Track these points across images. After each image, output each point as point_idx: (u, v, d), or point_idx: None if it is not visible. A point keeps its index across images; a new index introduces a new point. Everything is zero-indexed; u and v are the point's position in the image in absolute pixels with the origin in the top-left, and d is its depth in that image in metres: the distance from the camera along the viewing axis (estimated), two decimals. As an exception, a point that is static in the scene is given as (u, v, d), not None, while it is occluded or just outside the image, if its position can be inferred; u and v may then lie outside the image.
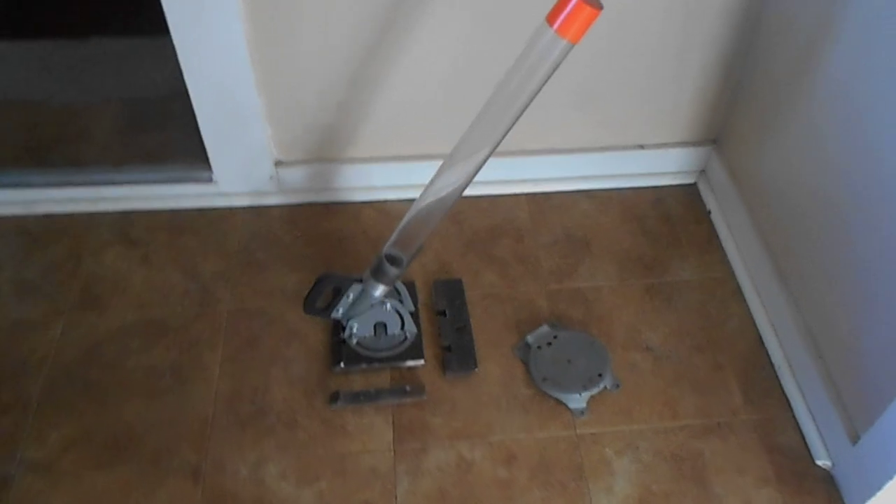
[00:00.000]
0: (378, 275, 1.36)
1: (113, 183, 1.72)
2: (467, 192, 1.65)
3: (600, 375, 1.42)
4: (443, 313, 1.53)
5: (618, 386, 1.43)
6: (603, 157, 1.76)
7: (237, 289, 1.59)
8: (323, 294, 1.42)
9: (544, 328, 1.50)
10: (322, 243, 1.68)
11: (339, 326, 1.47)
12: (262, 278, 1.61)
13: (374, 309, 1.41)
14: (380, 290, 1.39)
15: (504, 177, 1.76)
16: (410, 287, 1.54)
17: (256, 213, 1.75)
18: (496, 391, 1.43)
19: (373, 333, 1.47)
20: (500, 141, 1.19)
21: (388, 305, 1.41)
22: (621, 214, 1.75)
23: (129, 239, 1.69)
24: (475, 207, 1.76)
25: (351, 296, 1.41)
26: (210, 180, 1.71)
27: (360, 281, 1.40)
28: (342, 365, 1.44)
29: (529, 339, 1.49)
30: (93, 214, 1.73)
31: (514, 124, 1.17)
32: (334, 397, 1.40)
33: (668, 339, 1.51)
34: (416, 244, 1.35)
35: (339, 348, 1.47)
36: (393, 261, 1.35)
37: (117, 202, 1.73)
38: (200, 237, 1.69)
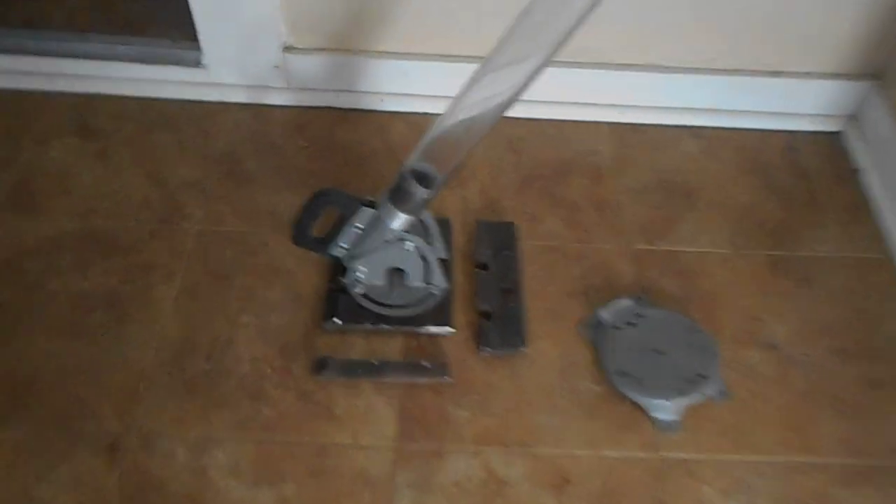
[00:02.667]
0: (399, 197, 0.94)
1: (76, 55, 1.32)
2: (530, 114, 1.24)
3: (702, 377, 0.99)
4: (484, 266, 1.11)
5: (726, 395, 0.99)
6: (721, 83, 1.30)
7: (213, 205, 1.19)
8: (320, 217, 1.00)
9: (625, 301, 1.07)
10: (335, 159, 1.26)
11: (339, 268, 1.06)
12: (247, 194, 1.20)
13: (389, 247, 0.99)
14: (400, 221, 0.97)
15: (581, 97, 1.32)
16: (443, 225, 1.12)
17: (254, 112, 1.33)
18: (550, 382, 1.01)
19: (385, 282, 1.05)
20: (558, 46, 0.78)
21: (410, 245, 0.99)
22: (738, 162, 1.30)
23: (86, 128, 1.29)
24: (540, 133, 1.32)
25: (359, 225, 0.99)
26: (198, 64, 1.30)
27: (373, 205, 0.98)
28: (337, 320, 1.03)
29: (603, 314, 1.06)
30: (47, 94, 1.34)
31: (577, 25, 0.75)
32: (321, 364, 1.00)
33: (800, 336, 1.06)
34: (451, 161, 0.93)
35: (335, 298, 1.06)
36: (421, 178, 0.93)
37: (79, 81, 1.34)
38: (178, 135, 1.29)
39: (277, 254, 1.12)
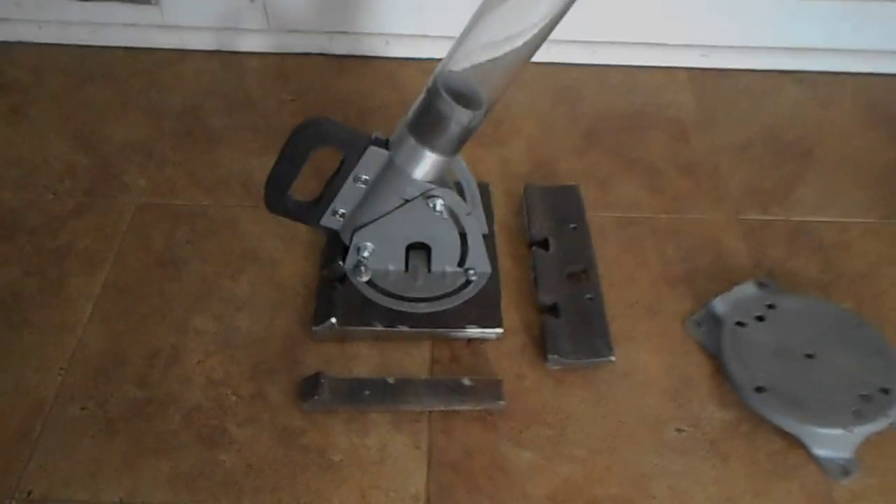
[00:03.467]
0: (426, 126, 0.63)
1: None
2: (585, 58, 1.03)
3: (884, 393, 0.65)
4: (544, 244, 0.78)
5: (922, 419, 0.66)
6: (832, 12, 0.99)
7: (162, 172, 0.87)
8: (302, 166, 0.68)
9: (747, 288, 0.74)
10: (329, 113, 0.94)
11: (336, 247, 0.74)
12: (210, 158, 0.88)
13: (409, 212, 0.67)
14: (426, 167, 0.65)
15: (650, 35, 1.01)
16: (482, 191, 0.80)
17: (222, 61, 1.02)
18: (655, 406, 0.67)
19: (403, 266, 0.73)
20: None
21: (440, 204, 0.67)
22: (861, 112, 0.98)
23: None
24: (599, 80, 1.01)
25: (364, 177, 0.67)
26: (148, 0, 0.99)
27: (385, 145, 0.66)
28: (334, 321, 0.70)
29: (720, 306, 0.73)
30: (-49, 43, 1.02)
31: None
32: (311, 386, 0.66)
33: None
34: (501, 79, 0.62)
35: (331, 290, 0.73)
36: (459, 97, 0.61)
37: (-6, 26, 1.03)
38: (119, 89, 0.97)
39: (250, 233, 0.80)
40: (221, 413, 0.66)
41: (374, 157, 0.66)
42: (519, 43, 0.58)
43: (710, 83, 1.01)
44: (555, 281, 0.75)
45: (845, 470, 0.63)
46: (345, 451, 0.64)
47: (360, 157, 0.66)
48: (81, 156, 0.88)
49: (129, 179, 0.85)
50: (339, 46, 1.03)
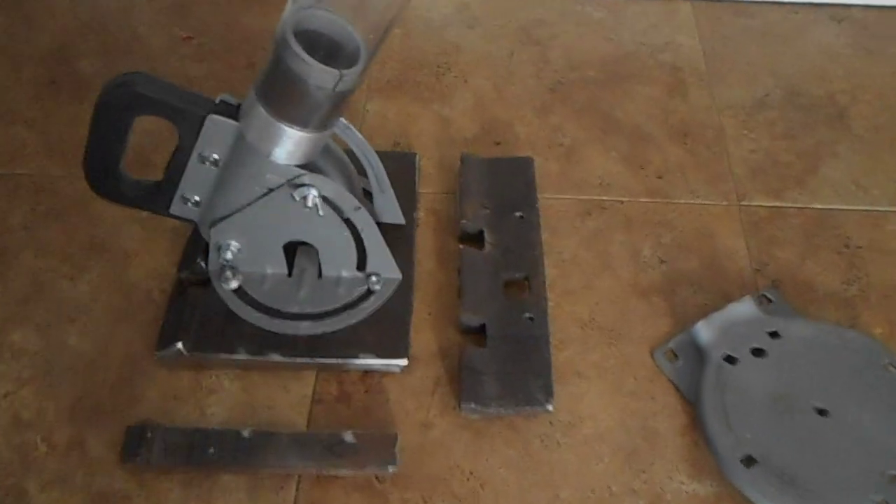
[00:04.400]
0: (278, 90, 0.44)
1: None
2: None
3: (923, 471, 0.47)
4: (477, 240, 0.60)
5: (974, 508, 0.47)
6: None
7: (8, 130, 0.69)
8: (126, 137, 0.49)
9: (744, 306, 0.55)
10: (235, 57, 0.76)
11: (201, 243, 0.56)
12: (71, 115, 0.70)
13: (271, 204, 0.49)
14: (286, 147, 0.46)
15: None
16: (402, 165, 0.61)
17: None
18: (605, 475, 0.50)
19: (284, 270, 0.55)
20: None
21: (312, 195, 0.48)
22: (916, 59, 0.76)
23: None
24: (577, 16, 0.80)
25: (212, 156, 0.48)
26: None
27: (234, 112, 0.47)
28: (181, 346, 0.53)
29: (704, 332, 0.54)
30: None
31: None
32: (135, 440, 0.49)
33: None
34: (378, 15, 0.42)
35: (183, 299, 0.56)
36: (319, 47, 0.42)
37: None
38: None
39: (104, 217, 0.62)
40: (23, 468, 0.50)
41: (219, 131, 0.47)
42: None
43: (719, 20, 0.80)
44: (486, 293, 0.56)
45: (861, 579, 0.46)
46: (176, 531, 0.48)
47: (197, 131, 0.47)
48: (-88, 108, 0.70)
49: (-41, 140, 0.68)
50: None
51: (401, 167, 0.63)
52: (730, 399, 0.50)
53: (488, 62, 0.75)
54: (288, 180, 0.48)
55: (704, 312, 0.55)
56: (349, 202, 0.50)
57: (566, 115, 0.70)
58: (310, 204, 0.48)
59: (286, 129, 0.45)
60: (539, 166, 0.65)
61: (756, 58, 0.76)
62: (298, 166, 0.48)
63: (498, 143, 0.68)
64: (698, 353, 0.54)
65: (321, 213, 0.49)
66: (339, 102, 0.45)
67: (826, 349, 0.53)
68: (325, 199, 0.49)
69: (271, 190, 0.48)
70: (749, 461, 0.48)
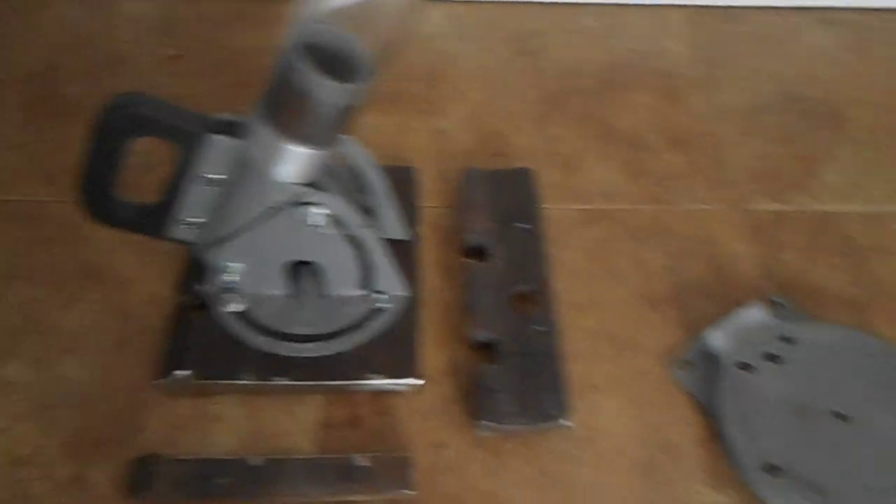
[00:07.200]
0: (283, 107, 0.43)
1: None
2: None
3: (946, 473, 0.47)
4: (480, 253, 0.59)
5: None
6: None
7: (-8, 157, 0.67)
8: (120, 161, 0.47)
9: (755, 313, 0.55)
10: (225, 75, 0.74)
11: (198, 267, 0.54)
12: (58, 137, 0.68)
13: (274, 224, 0.47)
14: (290, 165, 0.45)
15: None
16: (401, 179, 0.60)
17: (91, 6, 0.81)
18: (621, 486, 0.49)
19: (285, 291, 0.53)
20: None
21: (319, 215, 0.47)
22: (906, 60, 0.77)
23: None
24: (570, 25, 0.79)
25: (213, 175, 0.47)
26: (-4, -72, 0.77)
27: (234, 129, 0.46)
28: (183, 374, 0.51)
29: (717, 340, 0.53)
30: None
31: None
32: (142, 474, 0.48)
33: None
34: (384, 28, 0.42)
35: (185, 325, 0.54)
36: (326, 61, 0.41)
37: None
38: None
39: (97, 242, 0.60)
40: (22, 508, 0.48)
41: (220, 150, 0.46)
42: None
43: (711, 26, 0.80)
44: (493, 307, 0.55)
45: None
46: (187, 565, 0.46)
47: (198, 151, 0.46)
48: None
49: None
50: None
51: (398, 181, 0.62)
52: (748, 406, 0.50)
53: (482, 73, 0.74)
54: (292, 199, 0.46)
55: (715, 320, 0.55)
56: (355, 220, 0.48)
57: (563, 125, 0.70)
58: (317, 223, 0.47)
59: (292, 147, 0.44)
60: (539, 177, 0.64)
61: (749, 63, 0.76)
62: (302, 184, 0.46)
63: (496, 155, 0.67)
64: (712, 362, 0.53)
65: (326, 232, 0.48)
66: (346, 118, 0.44)
67: (841, 353, 0.52)
68: (331, 217, 0.48)
69: (274, 210, 0.47)
70: (772, 469, 0.47)
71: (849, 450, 0.48)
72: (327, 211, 0.47)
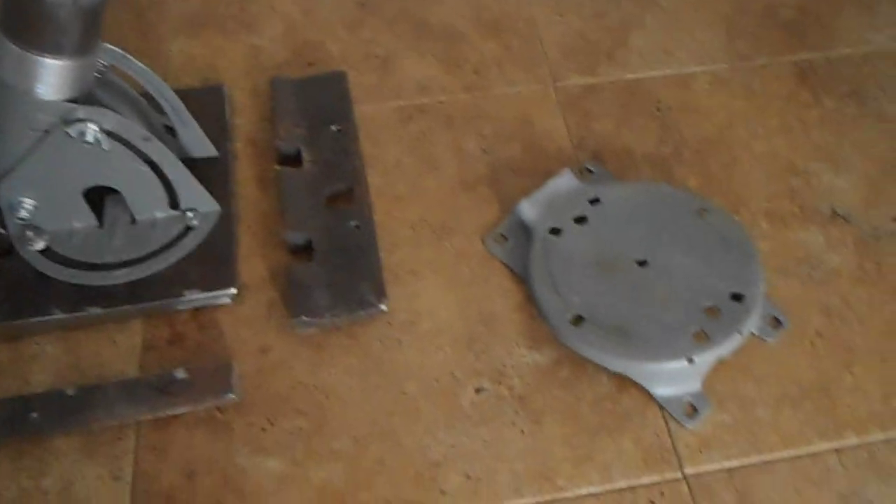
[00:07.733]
0: (16, 16, 0.41)
1: None
2: None
3: (737, 300, 0.50)
4: (294, 159, 0.58)
5: (783, 325, 0.51)
6: None
7: None
8: None
9: (563, 179, 0.57)
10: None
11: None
12: None
13: (49, 148, 0.46)
14: (50, 80, 0.43)
15: None
16: (209, 98, 0.59)
17: None
18: (444, 362, 0.50)
19: (92, 222, 0.52)
20: None
21: (90, 133, 0.45)
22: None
23: None
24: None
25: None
26: None
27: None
28: (-11, 318, 0.50)
29: (527, 209, 0.55)
30: None
31: None
32: (-45, 418, 0.47)
33: (876, 189, 0.58)
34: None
35: (-13, 270, 0.52)
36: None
37: None
38: None
39: None
40: None
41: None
42: None
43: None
44: (307, 209, 0.55)
45: (693, 409, 0.48)
46: (11, 501, 0.45)
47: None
48: None
49: None
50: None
51: (209, 101, 0.61)
52: (556, 267, 0.52)
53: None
54: (60, 117, 0.45)
55: (529, 193, 0.56)
56: (135, 132, 0.47)
57: (378, 28, 0.69)
58: (90, 139, 0.46)
59: (41, 59, 0.42)
60: (355, 80, 0.64)
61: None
62: (71, 101, 0.45)
63: (311, 64, 0.66)
64: (525, 232, 0.55)
65: (105, 148, 0.46)
66: (90, 20, 0.42)
67: (642, 206, 0.55)
68: (108, 133, 0.46)
69: (46, 132, 0.46)
70: (578, 320, 0.49)
71: (648, 293, 0.50)
72: (102, 125, 0.46)
